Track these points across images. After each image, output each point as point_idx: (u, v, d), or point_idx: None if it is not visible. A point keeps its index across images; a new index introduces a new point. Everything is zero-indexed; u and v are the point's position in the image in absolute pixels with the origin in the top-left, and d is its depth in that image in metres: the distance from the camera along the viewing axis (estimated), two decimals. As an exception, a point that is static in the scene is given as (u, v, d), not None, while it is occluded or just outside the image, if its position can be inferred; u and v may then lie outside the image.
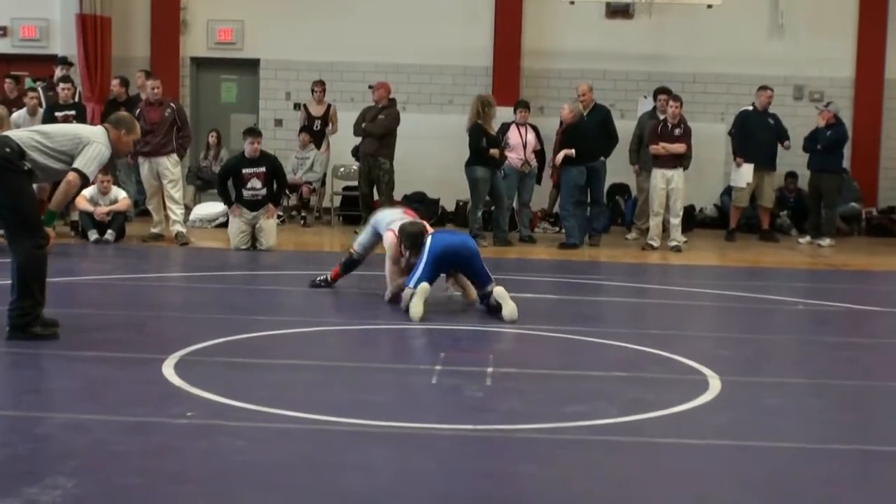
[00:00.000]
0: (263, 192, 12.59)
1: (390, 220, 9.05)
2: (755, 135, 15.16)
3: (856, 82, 17.36)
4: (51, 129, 7.30)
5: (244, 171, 12.61)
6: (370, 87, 15.24)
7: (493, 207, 14.32)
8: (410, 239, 8.59)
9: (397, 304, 8.46)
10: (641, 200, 15.19)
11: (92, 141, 7.01)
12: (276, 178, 12.68)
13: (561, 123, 14.08)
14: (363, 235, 9.46)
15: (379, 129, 14.38)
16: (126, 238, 13.04)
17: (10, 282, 6.94)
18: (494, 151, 13.69)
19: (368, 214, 14.75)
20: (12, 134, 7.12)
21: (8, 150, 6.78)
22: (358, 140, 14.80)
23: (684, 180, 14.05)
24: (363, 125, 14.50)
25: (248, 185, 12.59)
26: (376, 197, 14.42)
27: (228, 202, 12.76)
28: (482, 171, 13.70)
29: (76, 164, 6.91)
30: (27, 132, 7.13)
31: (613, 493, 4.42)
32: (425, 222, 9.04)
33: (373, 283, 9.36)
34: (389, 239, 8.83)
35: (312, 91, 16.19)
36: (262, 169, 12.61)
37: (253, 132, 12.83)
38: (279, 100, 17.37)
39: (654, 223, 14.05)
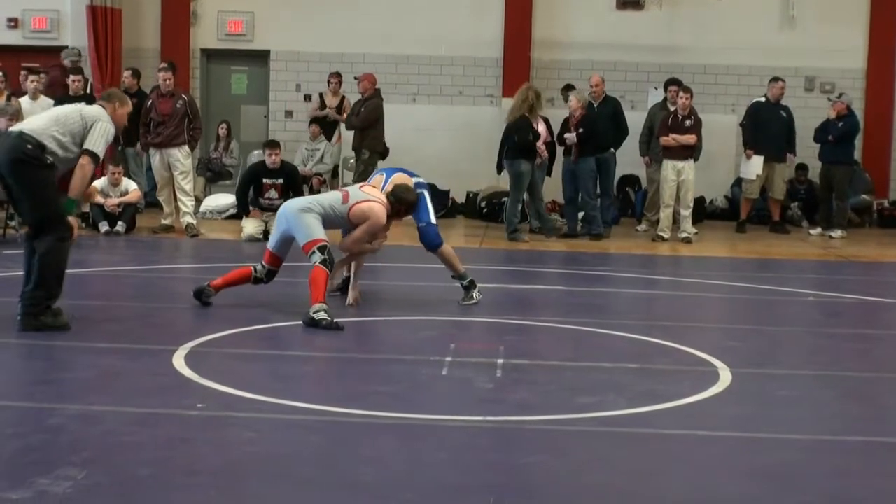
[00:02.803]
0: (280, 202, 12.82)
1: (353, 197, 8.13)
2: (767, 126, 15.11)
3: (867, 73, 17.29)
4: (59, 112, 7.32)
5: (264, 180, 12.93)
6: (355, 78, 15.33)
7: (505, 199, 14.29)
8: (413, 203, 8.33)
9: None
10: (652, 192, 15.16)
11: (97, 119, 7.10)
12: (291, 187, 12.94)
13: (571, 115, 13.97)
14: (317, 227, 7.86)
15: (357, 122, 14.47)
16: (136, 229, 13.05)
17: (18, 273, 6.96)
18: (540, 146, 13.59)
19: None
20: (28, 128, 7.10)
21: (29, 146, 6.87)
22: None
23: (695, 172, 14.02)
24: (349, 118, 14.67)
25: (266, 195, 12.89)
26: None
27: (246, 210, 12.90)
28: (526, 165, 13.34)
29: (85, 146, 7.00)
30: (42, 123, 7.12)
31: (624, 484, 4.42)
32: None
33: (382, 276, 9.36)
34: (379, 211, 8.06)
35: (328, 82, 16.20)
36: (280, 180, 12.90)
37: (272, 144, 13.15)
38: (289, 91, 17.37)
39: (665, 214, 14.03)
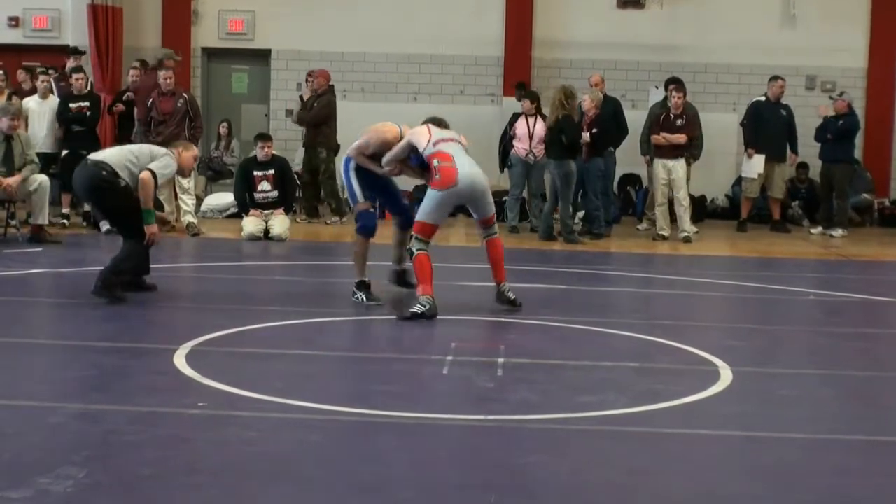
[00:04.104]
0: (274, 193, 12.97)
1: (437, 138, 8.69)
2: (767, 125, 15.11)
3: (868, 72, 17.29)
4: (133, 146, 8.74)
5: (255, 173, 13.04)
6: (309, 73, 15.37)
7: (506, 198, 14.27)
8: None
9: None
10: (652, 191, 15.17)
11: (165, 154, 8.35)
12: (283, 180, 12.95)
13: (584, 115, 13.91)
14: None
15: (308, 118, 14.54)
16: (137, 228, 13.03)
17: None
18: (585, 140, 13.50)
19: (308, 203, 14.76)
20: (102, 156, 8.29)
21: (104, 172, 8.07)
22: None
23: (686, 170, 13.98)
24: (301, 113, 14.71)
25: (259, 188, 12.97)
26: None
27: (245, 209, 12.93)
28: (574, 165, 13.18)
29: (151, 166, 8.14)
30: (117, 155, 8.27)
31: (624, 483, 4.42)
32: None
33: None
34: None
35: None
36: (272, 171, 13.00)
37: (263, 137, 13.32)
38: (290, 90, 17.36)
39: (660, 213, 14.03)
